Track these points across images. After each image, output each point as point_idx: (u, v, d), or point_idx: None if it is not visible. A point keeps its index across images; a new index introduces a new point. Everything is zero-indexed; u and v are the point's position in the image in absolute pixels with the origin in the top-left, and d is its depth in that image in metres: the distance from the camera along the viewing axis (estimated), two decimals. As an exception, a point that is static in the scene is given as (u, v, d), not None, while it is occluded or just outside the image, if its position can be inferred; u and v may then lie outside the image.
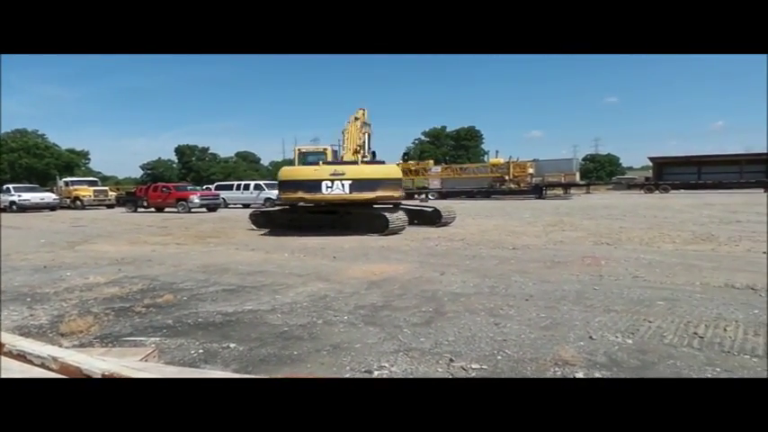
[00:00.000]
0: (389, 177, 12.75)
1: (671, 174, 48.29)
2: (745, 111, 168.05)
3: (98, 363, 2.60)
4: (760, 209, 18.72)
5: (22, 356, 2.80)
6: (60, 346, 3.83)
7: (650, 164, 53.51)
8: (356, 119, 15.16)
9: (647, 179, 51.38)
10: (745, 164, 45.32)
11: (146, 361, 3.20)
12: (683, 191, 43.28)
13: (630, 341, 3.99)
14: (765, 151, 45.47)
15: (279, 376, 3.37)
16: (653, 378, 3.29)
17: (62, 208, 32.32)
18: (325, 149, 14.95)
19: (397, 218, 12.76)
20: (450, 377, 3.39)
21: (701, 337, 4.02)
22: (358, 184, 12.56)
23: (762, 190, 39.02)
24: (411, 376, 3.40)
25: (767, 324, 4.31)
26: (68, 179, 38.49)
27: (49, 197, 32.04)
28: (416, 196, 38.00)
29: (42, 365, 2.71)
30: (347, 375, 3.45)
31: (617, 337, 4.10)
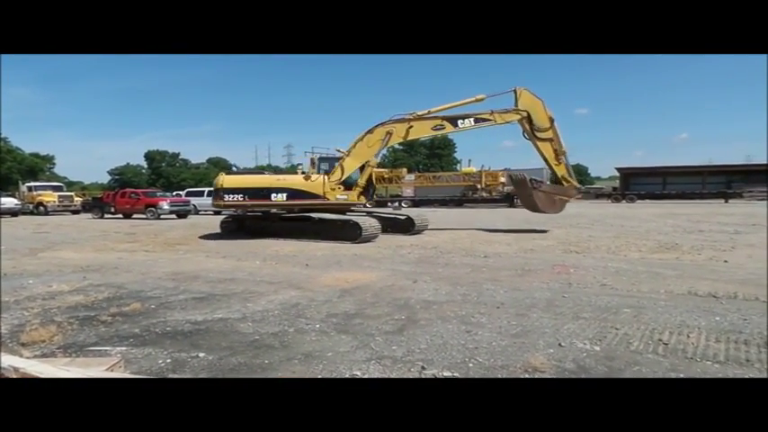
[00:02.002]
0: (216, 188, 14.53)
1: (637, 184, 49.56)
2: (708, 123, 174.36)
3: (61, 373, 2.53)
4: (721, 218, 19.40)
5: (-21, 367, 2.69)
6: (21, 356, 3.70)
7: (617, 174, 54.76)
8: (369, 132, 14.68)
9: (614, 189, 52.57)
10: (707, 175, 46.88)
11: (111, 371, 3.12)
12: (648, 201, 44.45)
13: (598, 348, 4.07)
14: (726, 163, 47.23)
15: (274, 376, 3.33)
16: (652, 378, 3.37)
17: (24, 214, 31.28)
18: (312, 158, 15.50)
19: (370, 225, 12.78)
20: (450, 377, 3.39)
21: (666, 344, 4.13)
22: (212, 194, 14.88)
23: (722, 200, 40.42)
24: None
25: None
26: (32, 184, 37.27)
27: (10, 202, 30.98)
28: (389, 204, 38.07)
29: (2, 376, 2.61)
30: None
31: (585, 344, 4.18)
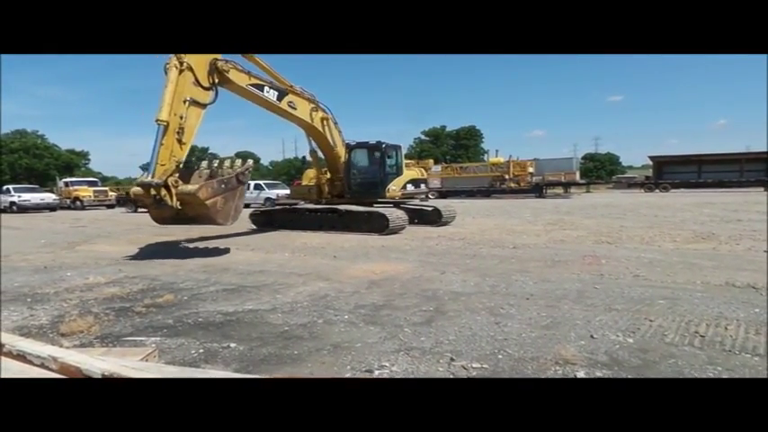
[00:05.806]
0: None
1: (671, 173, 48.19)
2: (747, 109, 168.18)
3: (98, 363, 2.59)
4: (760, 207, 18.71)
5: (21, 357, 2.79)
6: (61, 346, 3.82)
7: (650, 163, 53.35)
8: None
9: (647, 178, 51.24)
10: (745, 163, 45.20)
11: (146, 361, 3.20)
12: (683, 190, 43.26)
13: (631, 340, 3.98)
14: (765, 150, 45.43)
15: (278, 376, 3.37)
16: (653, 378, 3.29)
17: (62, 208, 32.28)
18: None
19: (398, 217, 12.79)
20: (451, 377, 3.38)
21: (703, 336, 4.02)
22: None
23: (762, 189, 38.97)
24: (411, 376, 3.40)
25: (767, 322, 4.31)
26: (68, 179, 38.39)
27: (48, 197, 32.00)
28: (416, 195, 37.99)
29: (42, 366, 2.69)
30: (347, 375, 3.45)
31: (618, 336, 4.09)
